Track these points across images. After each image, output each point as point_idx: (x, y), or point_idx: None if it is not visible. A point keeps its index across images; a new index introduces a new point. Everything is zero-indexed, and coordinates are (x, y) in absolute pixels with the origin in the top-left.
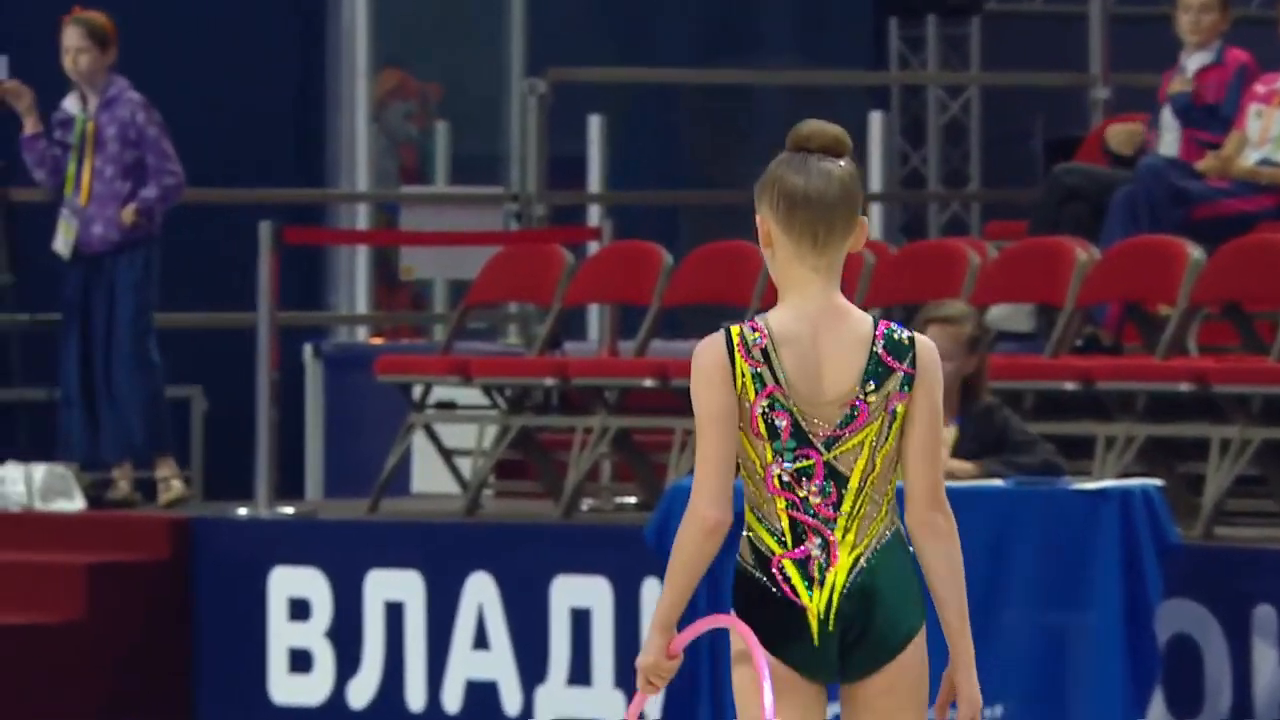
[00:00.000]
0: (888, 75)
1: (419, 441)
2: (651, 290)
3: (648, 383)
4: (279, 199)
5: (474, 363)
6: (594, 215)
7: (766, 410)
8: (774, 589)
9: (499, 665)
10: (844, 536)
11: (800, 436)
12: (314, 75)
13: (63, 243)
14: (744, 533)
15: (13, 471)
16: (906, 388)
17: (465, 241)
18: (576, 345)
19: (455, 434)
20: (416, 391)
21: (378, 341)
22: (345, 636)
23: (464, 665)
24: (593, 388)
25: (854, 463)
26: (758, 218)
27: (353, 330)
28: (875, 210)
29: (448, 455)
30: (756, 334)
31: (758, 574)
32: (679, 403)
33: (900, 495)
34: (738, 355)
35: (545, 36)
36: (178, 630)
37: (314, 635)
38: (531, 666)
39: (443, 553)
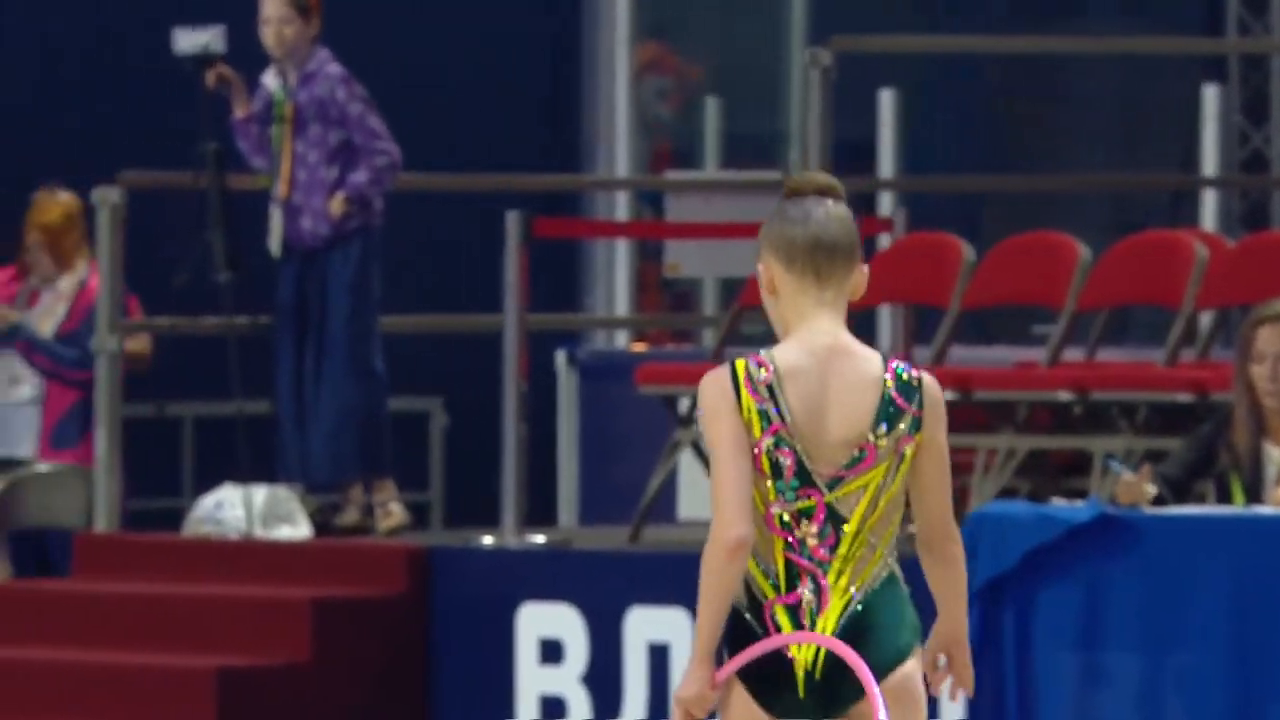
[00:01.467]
0: (1225, 43)
1: (686, 461)
2: (950, 289)
3: (947, 395)
4: (528, 186)
5: None
6: (885, 204)
7: (771, 449)
8: (764, 636)
9: None
10: (836, 580)
11: (804, 476)
12: (569, 46)
13: (273, 239)
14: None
15: (231, 494)
16: (915, 430)
17: (738, 234)
18: None
19: None
20: (682, 404)
21: (639, 348)
22: (602, 682)
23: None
24: None
25: (855, 505)
26: (759, 266)
27: (611, 335)
28: (1209, 197)
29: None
30: (762, 369)
31: (749, 617)
32: (983, 418)
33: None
34: (743, 389)
35: (829, 1)
36: (414, 674)
37: (567, 680)
38: None
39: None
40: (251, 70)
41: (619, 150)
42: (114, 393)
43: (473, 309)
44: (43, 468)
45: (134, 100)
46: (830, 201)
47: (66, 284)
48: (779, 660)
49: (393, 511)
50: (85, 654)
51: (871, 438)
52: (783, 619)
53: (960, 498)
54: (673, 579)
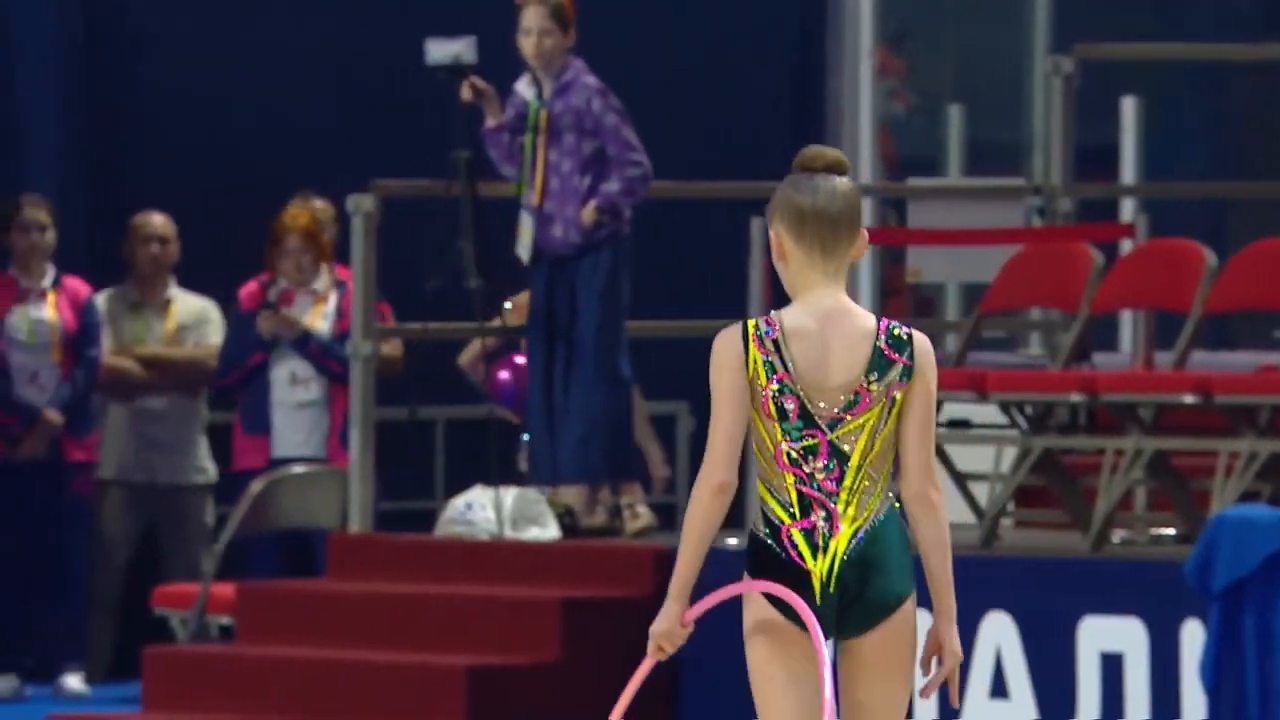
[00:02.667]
0: None
1: None
2: (1192, 295)
3: (1188, 399)
4: (769, 192)
5: (990, 376)
6: (1127, 210)
7: (776, 394)
8: (783, 554)
9: (1019, 714)
10: (845, 509)
11: (807, 418)
12: (813, 52)
13: (522, 246)
14: (756, 506)
15: (481, 496)
16: (905, 378)
17: (980, 240)
18: (1106, 357)
19: (970, 456)
20: None
21: None
22: None
23: (980, 714)
24: (1125, 405)
25: (855, 442)
26: (770, 233)
27: None
28: None
29: (961, 480)
30: (769, 327)
31: (769, 541)
32: (1224, 422)
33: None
34: (752, 345)
35: (1072, 8)
36: (661, 674)
37: None
38: (1056, 717)
39: (960, 588)
40: (501, 80)
41: (862, 156)
42: (367, 396)
43: (718, 314)
44: (298, 469)
45: (387, 109)
46: (837, 177)
47: (322, 287)
48: (797, 571)
49: (640, 514)
50: (338, 652)
51: (865, 383)
52: (799, 539)
53: (1201, 501)
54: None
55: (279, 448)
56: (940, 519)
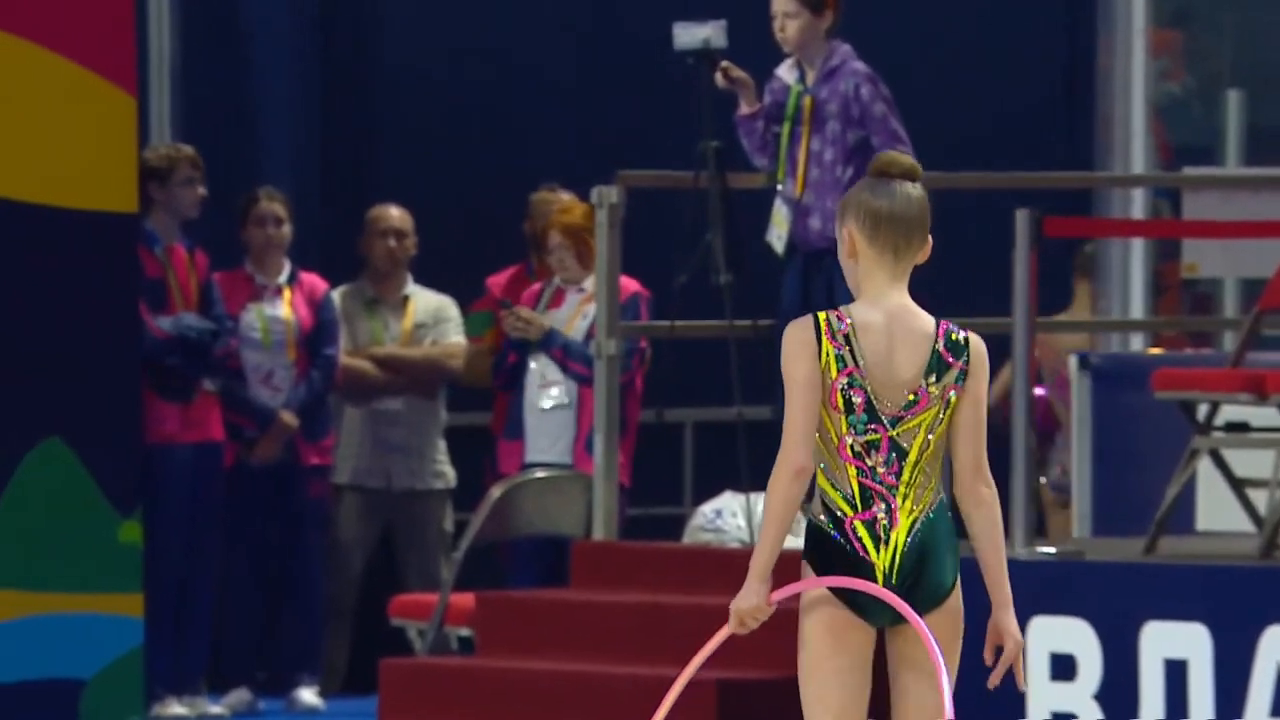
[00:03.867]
0: None
1: (1204, 470)
2: None
3: None
4: (1039, 183)
5: (1270, 377)
6: None
7: (845, 387)
8: (847, 546)
9: None
10: (903, 503)
11: (872, 413)
12: (1084, 37)
13: (776, 236)
14: (816, 495)
15: (731, 502)
16: (961, 381)
17: (1260, 233)
18: None
19: (1248, 461)
20: (1201, 410)
21: (1156, 352)
22: (1118, 699)
23: None
24: None
25: (913, 440)
26: (843, 231)
27: (1126, 338)
28: None
29: (1239, 486)
30: (841, 322)
31: (832, 531)
32: None
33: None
34: (824, 337)
35: None
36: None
37: (1080, 697)
38: None
39: (1233, 602)
40: (753, 66)
41: (1135, 139)
42: (612, 398)
43: (978, 311)
44: (540, 474)
45: (632, 96)
46: (910, 184)
47: (591, 286)
48: (859, 562)
49: None
50: (582, 665)
51: (924, 384)
52: (862, 531)
53: None
54: (1191, 592)
55: (530, 453)
56: (993, 513)
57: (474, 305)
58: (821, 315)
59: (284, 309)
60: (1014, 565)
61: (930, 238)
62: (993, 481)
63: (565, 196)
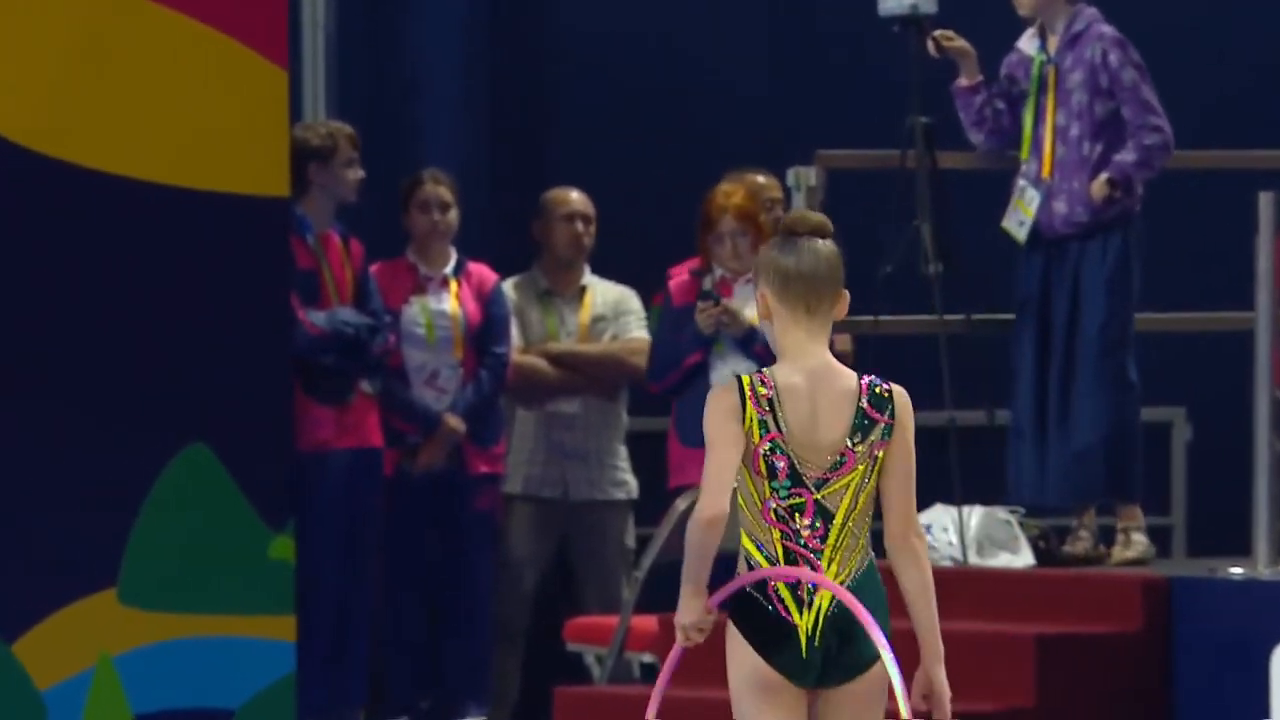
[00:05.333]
0: None
1: None
2: None
3: None
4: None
5: None
6: None
7: (768, 453)
8: (769, 607)
9: None
10: (829, 566)
11: (795, 477)
12: None
13: (1016, 222)
14: (741, 556)
15: (942, 516)
16: (887, 436)
17: None
18: None
19: None
20: None
21: None
22: None
23: None
24: None
25: (839, 502)
26: (756, 294)
27: None
28: None
29: None
30: (764, 386)
31: (755, 593)
32: None
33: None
34: (748, 402)
35: None
36: None
37: None
38: None
39: None
40: (971, 35)
41: None
42: None
43: (1218, 303)
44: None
45: (831, 68)
46: (819, 240)
47: None
48: (781, 623)
49: (1135, 541)
50: None
51: (849, 445)
52: (785, 593)
53: None
54: None
55: None
56: (924, 565)
57: (654, 298)
58: (745, 378)
59: (450, 302)
60: (1259, 586)
61: (846, 292)
62: (923, 532)
63: (758, 180)
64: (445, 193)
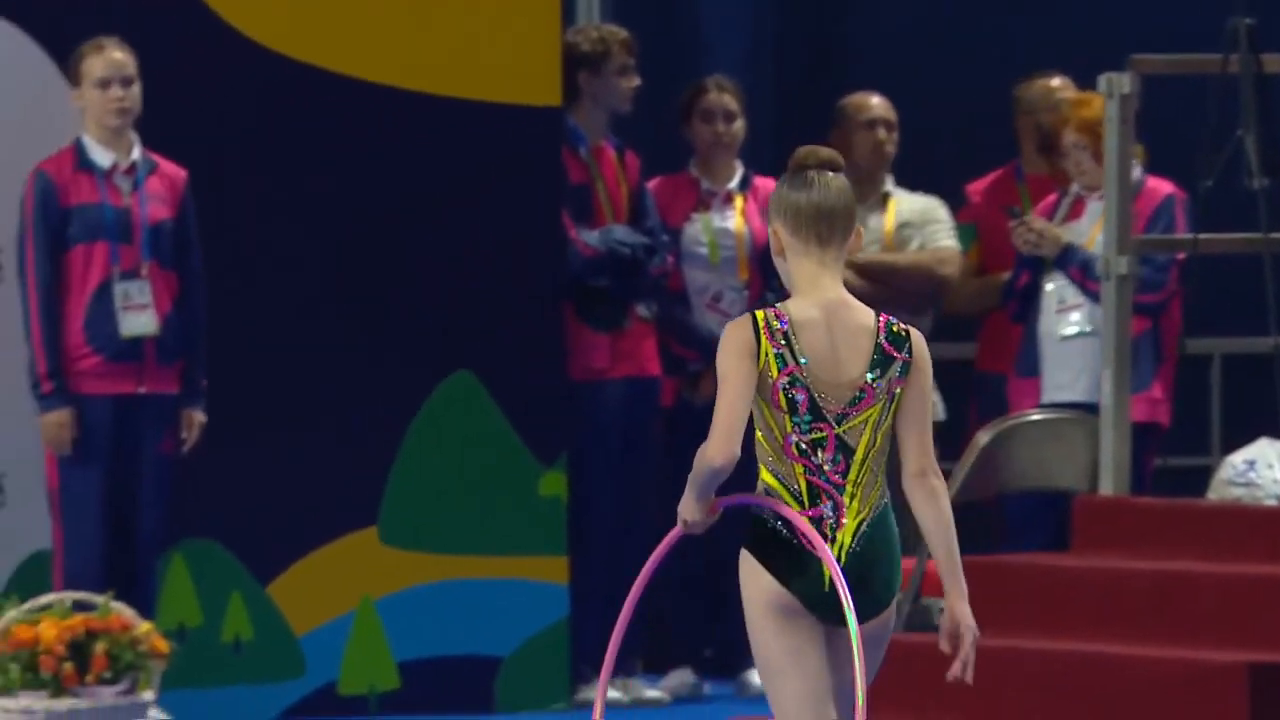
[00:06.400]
0: None
1: None
2: None
3: None
4: None
5: None
6: None
7: (787, 386)
8: (794, 541)
9: None
10: (850, 502)
11: (815, 411)
12: None
13: None
14: (759, 489)
15: (1268, 451)
16: (904, 373)
17: None
18: None
19: None
20: None
21: None
22: None
23: None
24: None
25: (859, 437)
26: (770, 230)
27: None
28: None
29: None
30: (779, 320)
31: (780, 526)
32: None
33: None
34: (763, 336)
35: None
36: None
37: None
38: None
39: None
40: None
41: None
42: (1123, 325)
43: None
44: (1035, 416)
45: None
46: (830, 174)
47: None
48: (803, 553)
49: None
50: (1083, 644)
51: (868, 380)
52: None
53: None
54: None
55: (1048, 390)
56: (943, 502)
57: (956, 216)
58: (759, 314)
59: (735, 220)
60: None
61: (860, 227)
62: (940, 473)
63: (1057, 84)
64: (730, 101)
